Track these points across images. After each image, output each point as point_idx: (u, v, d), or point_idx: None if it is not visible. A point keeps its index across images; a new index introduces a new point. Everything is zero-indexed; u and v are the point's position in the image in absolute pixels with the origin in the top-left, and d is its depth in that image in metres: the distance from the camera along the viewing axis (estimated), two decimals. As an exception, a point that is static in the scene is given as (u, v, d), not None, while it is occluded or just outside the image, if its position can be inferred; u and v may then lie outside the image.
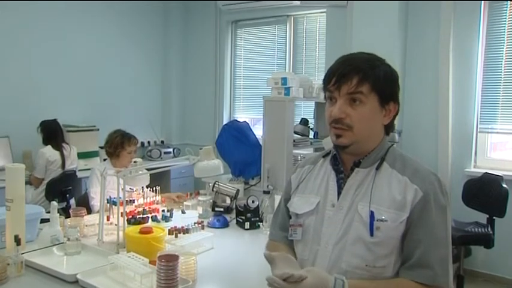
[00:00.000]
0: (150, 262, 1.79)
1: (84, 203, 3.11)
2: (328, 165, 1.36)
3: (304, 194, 1.39)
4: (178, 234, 2.26)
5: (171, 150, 5.54)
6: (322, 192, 1.34)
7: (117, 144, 3.14)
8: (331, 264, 1.25)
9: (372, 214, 1.22)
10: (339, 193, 1.30)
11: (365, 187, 1.27)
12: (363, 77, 1.22)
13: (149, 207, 2.76)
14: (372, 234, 1.21)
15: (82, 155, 4.54)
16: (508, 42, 3.94)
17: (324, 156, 1.42)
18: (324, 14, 4.89)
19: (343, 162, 1.33)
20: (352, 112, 1.23)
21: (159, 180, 3.31)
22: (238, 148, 3.42)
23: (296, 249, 1.38)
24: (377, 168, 1.27)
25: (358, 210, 1.24)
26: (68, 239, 2.08)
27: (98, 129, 4.76)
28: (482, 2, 4.01)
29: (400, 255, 1.23)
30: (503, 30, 3.96)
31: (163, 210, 2.77)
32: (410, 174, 1.25)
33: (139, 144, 3.84)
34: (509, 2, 3.92)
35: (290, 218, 1.42)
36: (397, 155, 1.31)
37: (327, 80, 1.28)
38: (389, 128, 1.33)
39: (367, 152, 1.29)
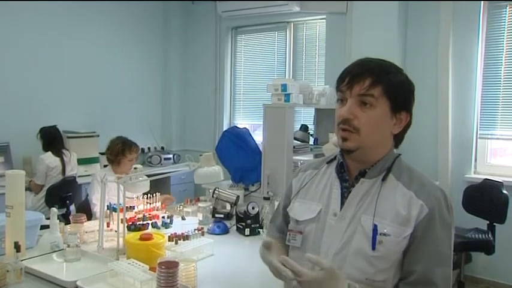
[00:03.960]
0: (150, 269, 1.79)
1: (84, 209, 3.11)
2: (333, 173, 1.33)
3: (305, 200, 1.36)
4: (178, 241, 2.26)
5: (171, 156, 5.54)
6: (325, 200, 1.31)
7: (118, 152, 3.15)
8: None
9: (375, 227, 1.19)
10: (342, 202, 1.27)
11: (369, 198, 1.24)
12: (376, 80, 1.20)
13: (149, 214, 2.77)
14: (373, 248, 1.18)
15: (82, 161, 4.54)
16: (507, 48, 3.96)
17: (328, 162, 1.38)
18: (324, 20, 4.91)
19: (349, 171, 1.30)
20: (360, 114, 1.21)
21: (159, 187, 3.31)
22: (238, 154, 3.42)
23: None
24: (383, 180, 1.24)
25: (361, 222, 1.22)
26: (68, 246, 2.07)
27: (98, 135, 4.76)
28: (482, 5, 4.02)
29: (399, 269, 1.21)
30: (502, 35, 3.98)
31: (163, 217, 2.77)
32: (416, 188, 1.22)
33: (139, 151, 3.81)
34: (508, 7, 3.93)
35: (288, 222, 1.40)
36: (403, 167, 1.28)
37: (340, 80, 1.26)
38: (399, 140, 1.30)
39: (373, 161, 1.26)
